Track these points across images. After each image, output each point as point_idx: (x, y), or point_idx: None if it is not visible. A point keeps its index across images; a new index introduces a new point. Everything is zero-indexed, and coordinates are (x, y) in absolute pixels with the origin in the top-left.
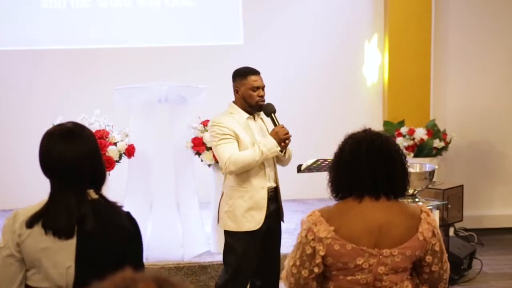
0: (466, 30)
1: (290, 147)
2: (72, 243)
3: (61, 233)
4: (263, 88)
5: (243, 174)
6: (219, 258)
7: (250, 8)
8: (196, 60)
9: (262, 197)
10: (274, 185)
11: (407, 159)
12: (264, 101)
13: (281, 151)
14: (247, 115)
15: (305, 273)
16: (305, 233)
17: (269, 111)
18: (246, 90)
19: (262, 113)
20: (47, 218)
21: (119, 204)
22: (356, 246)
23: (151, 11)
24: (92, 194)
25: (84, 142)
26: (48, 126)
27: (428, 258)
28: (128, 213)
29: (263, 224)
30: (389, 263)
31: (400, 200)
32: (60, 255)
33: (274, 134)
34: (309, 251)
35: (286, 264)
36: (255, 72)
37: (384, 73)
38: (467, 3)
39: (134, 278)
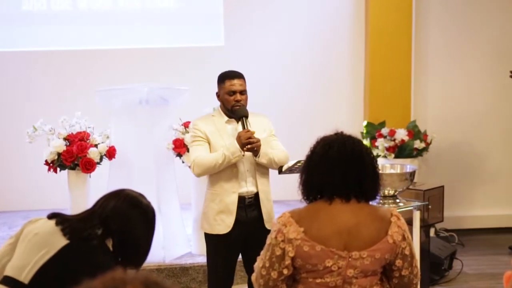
0: (446, 32)
1: (287, 149)
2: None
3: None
4: (241, 92)
5: (215, 177)
6: (200, 259)
7: (231, 9)
8: (177, 61)
9: (232, 202)
10: (253, 190)
11: (377, 162)
12: (240, 105)
13: (253, 155)
14: (226, 118)
15: (274, 274)
16: (274, 235)
17: (239, 115)
18: (223, 94)
19: (249, 117)
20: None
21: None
22: (325, 248)
23: (131, 13)
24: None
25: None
26: (29, 128)
27: (398, 262)
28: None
29: (235, 229)
30: (358, 266)
31: (370, 203)
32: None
33: (237, 138)
34: (278, 252)
35: (256, 266)
36: (233, 76)
37: (366, 74)
38: (447, 5)
39: (123, 279)
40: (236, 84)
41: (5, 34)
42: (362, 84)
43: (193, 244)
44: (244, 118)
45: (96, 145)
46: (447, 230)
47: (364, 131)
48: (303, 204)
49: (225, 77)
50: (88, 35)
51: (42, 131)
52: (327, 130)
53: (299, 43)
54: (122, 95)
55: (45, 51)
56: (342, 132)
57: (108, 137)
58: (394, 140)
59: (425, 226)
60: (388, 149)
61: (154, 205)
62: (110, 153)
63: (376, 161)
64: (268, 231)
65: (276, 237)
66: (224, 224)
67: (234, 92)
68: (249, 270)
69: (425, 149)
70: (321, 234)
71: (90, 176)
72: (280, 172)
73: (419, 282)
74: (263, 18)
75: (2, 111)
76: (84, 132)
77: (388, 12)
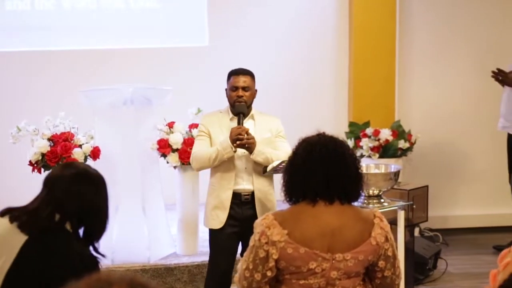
0: (430, 31)
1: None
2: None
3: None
4: (243, 88)
5: (216, 172)
6: (185, 260)
7: (215, 10)
8: (161, 61)
9: (226, 198)
10: (249, 188)
11: (361, 163)
12: (242, 101)
13: (235, 151)
14: (231, 115)
15: (258, 276)
16: (258, 237)
17: (236, 111)
18: (228, 90)
19: (254, 113)
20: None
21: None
22: (309, 250)
23: (115, 13)
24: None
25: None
26: (12, 129)
27: (381, 263)
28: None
29: (229, 225)
30: (342, 268)
31: (353, 204)
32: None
33: (229, 134)
34: (262, 254)
35: (239, 267)
36: (238, 73)
37: (350, 74)
38: (431, 4)
39: (109, 280)
40: (239, 80)
41: None
42: (346, 84)
43: (178, 244)
44: (241, 114)
45: (80, 146)
46: (431, 230)
47: (349, 131)
48: (287, 205)
49: (231, 73)
50: (72, 35)
51: (26, 132)
52: (312, 130)
53: (283, 44)
54: (106, 95)
55: (28, 51)
56: (324, 133)
57: (92, 138)
58: (379, 140)
59: (409, 226)
60: (372, 149)
61: (139, 205)
62: (95, 154)
63: (359, 162)
64: None
65: (259, 239)
66: (218, 220)
67: (236, 88)
68: None
69: (409, 149)
70: (305, 237)
71: None
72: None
73: (401, 282)
74: (247, 18)
75: None
76: (68, 132)
77: (372, 12)
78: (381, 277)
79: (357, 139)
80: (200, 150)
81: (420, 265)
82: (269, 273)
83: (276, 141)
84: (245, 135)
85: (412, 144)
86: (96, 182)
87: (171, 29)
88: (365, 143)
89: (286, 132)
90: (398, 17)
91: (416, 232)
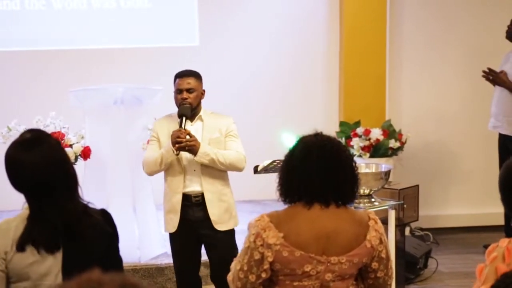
0: (421, 31)
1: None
2: (58, 253)
3: (52, 248)
4: (187, 90)
5: (167, 176)
6: None
7: (205, 9)
8: (152, 61)
9: (176, 201)
10: (198, 189)
11: (357, 164)
12: (186, 104)
13: (177, 154)
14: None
15: (252, 278)
16: (253, 238)
17: (179, 113)
18: (174, 93)
19: (203, 114)
20: (35, 237)
21: (92, 204)
22: (304, 253)
23: (106, 12)
24: (69, 202)
25: (48, 151)
26: (3, 129)
27: (374, 265)
28: (102, 211)
29: (183, 229)
30: (336, 270)
31: (348, 206)
32: (48, 266)
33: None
34: (257, 256)
35: (233, 267)
36: (181, 75)
37: (340, 74)
38: (422, 3)
39: (100, 280)
40: (183, 82)
41: None
42: (337, 84)
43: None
44: (183, 117)
45: (71, 145)
46: (422, 229)
47: (339, 131)
48: (278, 205)
49: (175, 76)
50: (63, 35)
51: (16, 131)
52: (302, 129)
53: (274, 42)
54: (96, 95)
55: (18, 51)
56: (321, 133)
57: (83, 137)
58: (369, 139)
59: (400, 225)
60: (363, 148)
61: (130, 205)
62: (85, 154)
63: (355, 163)
64: (219, 233)
65: (255, 241)
66: (172, 223)
67: (181, 91)
68: (214, 277)
69: (400, 148)
70: (300, 240)
71: None
72: (256, 171)
73: (393, 282)
74: (237, 17)
75: None
76: (58, 132)
77: (362, 11)
78: (374, 278)
79: (348, 138)
80: (148, 155)
81: (410, 264)
82: (263, 275)
83: (226, 141)
84: (186, 137)
85: (402, 144)
86: (56, 152)
87: (161, 29)
88: (356, 142)
89: (277, 131)
90: (388, 17)
91: (407, 231)
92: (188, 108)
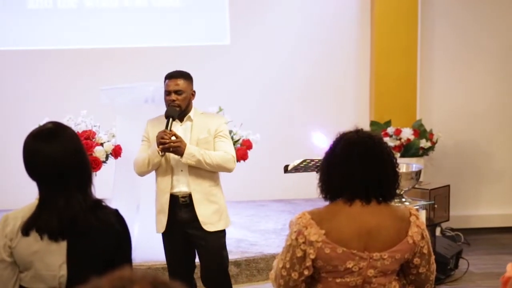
0: (453, 30)
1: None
2: (63, 244)
3: (55, 236)
4: (176, 92)
5: (157, 176)
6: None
7: (236, 8)
8: (183, 60)
9: (165, 202)
10: (186, 190)
11: (397, 161)
12: (174, 105)
13: (162, 155)
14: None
15: (295, 275)
16: (295, 236)
17: (166, 114)
18: (164, 94)
19: (193, 115)
20: (41, 224)
21: (105, 202)
22: (346, 250)
23: (137, 12)
24: (80, 194)
25: (66, 142)
26: (34, 128)
27: (416, 260)
28: (116, 211)
29: (171, 229)
30: (378, 266)
31: (389, 203)
32: (52, 256)
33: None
34: (299, 254)
35: (275, 265)
36: (170, 77)
37: (371, 74)
38: (453, 2)
39: (131, 278)
40: (171, 84)
41: (9, 32)
42: (368, 84)
43: None
44: (170, 118)
45: (102, 144)
46: (453, 229)
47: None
48: (308, 203)
49: (165, 77)
50: (94, 33)
51: None
52: (333, 129)
53: (305, 42)
54: (127, 93)
55: (49, 49)
56: (362, 130)
57: (113, 136)
58: (400, 139)
59: (431, 225)
60: (394, 148)
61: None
62: (116, 152)
63: (396, 160)
64: (208, 233)
65: (296, 239)
66: (161, 224)
67: (169, 92)
68: (205, 279)
69: (431, 148)
70: (342, 236)
71: (96, 175)
72: (286, 171)
73: (434, 278)
74: (269, 17)
75: (6, 110)
76: (89, 130)
77: (393, 11)
78: (416, 274)
79: None
80: (139, 155)
81: (441, 265)
82: (306, 272)
83: (215, 141)
84: (172, 138)
85: (433, 144)
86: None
87: (192, 28)
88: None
89: (309, 130)
90: (420, 17)
91: (438, 231)
92: (175, 110)
